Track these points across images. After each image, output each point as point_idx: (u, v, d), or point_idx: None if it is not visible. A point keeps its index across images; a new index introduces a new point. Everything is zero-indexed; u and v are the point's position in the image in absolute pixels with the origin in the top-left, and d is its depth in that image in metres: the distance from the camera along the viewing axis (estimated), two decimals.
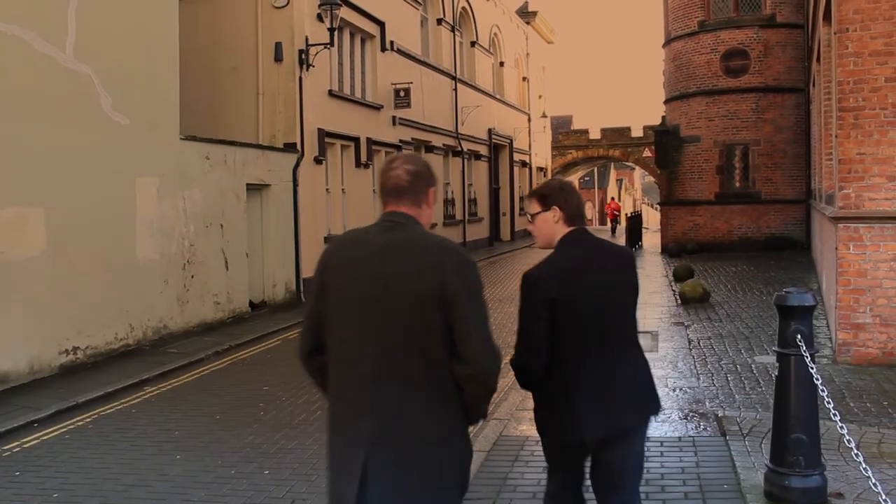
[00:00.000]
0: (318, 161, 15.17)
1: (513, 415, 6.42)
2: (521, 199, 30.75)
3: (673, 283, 15.18)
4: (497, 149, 29.24)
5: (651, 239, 30.01)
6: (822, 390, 3.93)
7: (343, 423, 2.63)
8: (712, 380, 7.51)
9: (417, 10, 21.04)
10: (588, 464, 3.25)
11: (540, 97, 36.13)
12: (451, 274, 2.52)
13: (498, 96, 29.26)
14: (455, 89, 24.09)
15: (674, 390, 7.17)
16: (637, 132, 38.02)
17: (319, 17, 14.74)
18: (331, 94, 15.77)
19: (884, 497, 3.02)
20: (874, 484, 3.19)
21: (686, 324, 10.71)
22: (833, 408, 3.74)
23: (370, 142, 17.44)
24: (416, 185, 2.68)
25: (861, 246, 7.77)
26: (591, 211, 60.80)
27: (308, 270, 14.49)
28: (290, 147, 14.32)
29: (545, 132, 37.11)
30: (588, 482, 3.29)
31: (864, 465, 3.35)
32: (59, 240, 8.98)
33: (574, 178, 47.65)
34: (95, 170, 9.62)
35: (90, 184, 9.51)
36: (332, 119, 15.61)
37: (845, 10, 7.86)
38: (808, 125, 19.73)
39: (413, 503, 2.52)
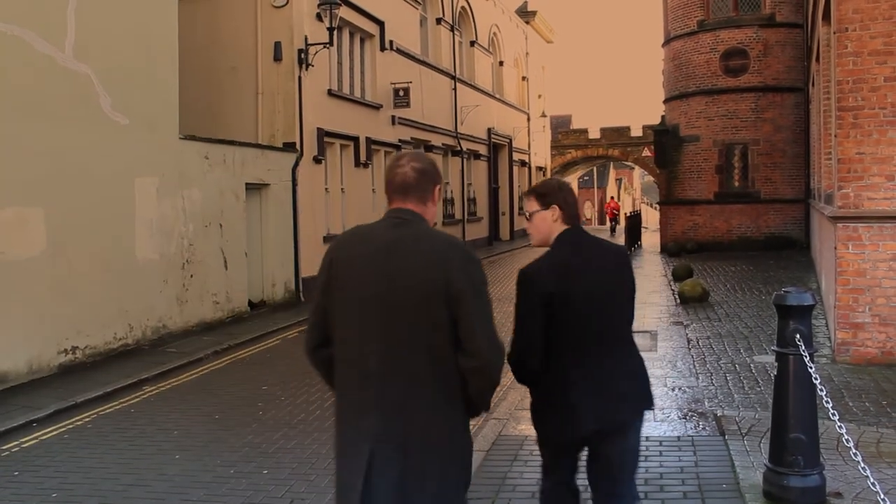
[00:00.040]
0: (317, 161, 15.17)
1: (512, 414, 6.41)
2: (521, 198, 30.74)
3: (672, 283, 15.18)
4: (496, 148, 29.24)
5: (650, 238, 30.01)
6: (821, 390, 3.93)
7: (349, 418, 2.67)
8: (711, 379, 7.51)
9: (417, 9, 21.04)
10: (584, 458, 3.30)
11: (539, 97, 36.12)
12: (457, 270, 2.55)
13: (497, 96, 29.25)
14: (454, 89, 24.09)
15: (673, 390, 7.18)
16: (636, 132, 38.04)
17: (319, 17, 14.74)
18: (330, 93, 15.77)
19: (882, 496, 3.02)
20: (872, 483, 3.19)
21: (685, 323, 10.71)
22: (832, 407, 3.73)
23: (369, 141, 17.43)
24: (422, 182, 2.72)
25: (860, 245, 7.77)
26: (590, 210, 60.80)
27: (307, 270, 14.50)
28: (289, 147, 14.32)
29: (544, 132, 37.11)
30: (583, 478, 3.33)
31: (862, 465, 3.35)
32: (58, 240, 8.97)
33: (573, 178, 47.67)
34: (95, 170, 9.62)
35: (90, 184, 9.50)
36: (331, 118, 15.61)
37: (844, 10, 7.86)
38: (808, 125, 19.73)
39: (416, 498, 2.55)
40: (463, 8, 25.46)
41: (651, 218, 51.46)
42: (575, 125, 49.24)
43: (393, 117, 18.92)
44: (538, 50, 36.13)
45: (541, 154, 36.21)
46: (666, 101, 24.28)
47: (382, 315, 2.59)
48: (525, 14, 34.01)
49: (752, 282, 15.14)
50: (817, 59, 12.99)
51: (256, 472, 5.55)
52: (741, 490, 4.60)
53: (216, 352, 10.00)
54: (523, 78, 33.62)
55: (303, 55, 14.40)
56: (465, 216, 25.07)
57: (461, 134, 24.48)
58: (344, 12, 15.21)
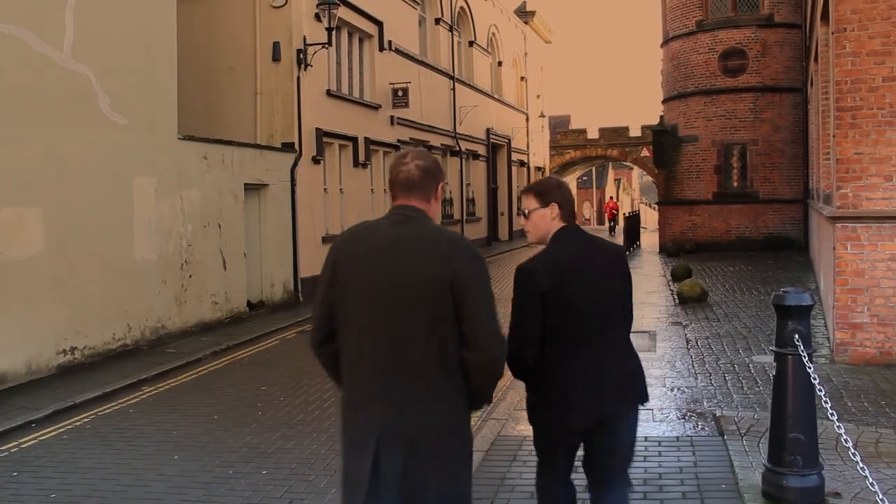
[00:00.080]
0: (315, 161, 15.16)
1: (511, 415, 6.41)
2: (519, 198, 30.75)
3: (671, 283, 15.19)
4: (495, 148, 29.25)
5: (649, 238, 30.02)
6: (820, 390, 3.93)
7: (355, 412, 2.72)
8: (710, 379, 7.51)
9: (415, 9, 21.04)
10: (580, 453, 3.36)
11: (538, 97, 36.14)
12: (461, 266, 2.62)
13: (496, 96, 29.26)
14: (453, 89, 24.09)
15: (672, 390, 7.18)
16: (635, 132, 38.03)
17: (317, 17, 14.74)
18: (329, 93, 15.76)
19: (881, 496, 3.03)
20: (871, 483, 3.19)
21: (684, 323, 10.71)
22: (830, 407, 3.74)
23: (368, 141, 17.43)
24: (425, 180, 2.78)
25: (859, 246, 7.78)
26: (589, 210, 60.82)
27: (306, 270, 14.50)
28: (287, 147, 14.32)
29: (543, 132, 37.12)
30: (579, 474, 3.37)
31: (861, 465, 3.35)
32: (57, 240, 8.97)
33: (572, 178, 47.67)
34: (93, 170, 9.62)
35: (88, 184, 9.50)
36: (330, 119, 15.61)
37: (843, 10, 7.86)
38: (806, 125, 19.75)
39: (422, 490, 2.61)
40: (462, 8, 25.47)
41: (650, 218, 51.48)
42: (573, 125, 49.22)
43: (392, 117, 18.92)
44: (537, 50, 36.15)
45: (539, 154, 36.22)
46: (664, 102, 24.29)
47: (388, 310, 2.64)
48: (524, 14, 34.03)
49: (750, 282, 15.15)
50: (816, 60, 13.00)
51: (255, 472, 5.55)
52: (740, 490, 4.60)
53: (215, 352, 9.99)
54: (522, 78, 33.63)
55: (301, 55, 14.40)
56: (464, 216, 25.08)
57: (460, 134, 24.48)
58: (342, 12, 15.21)
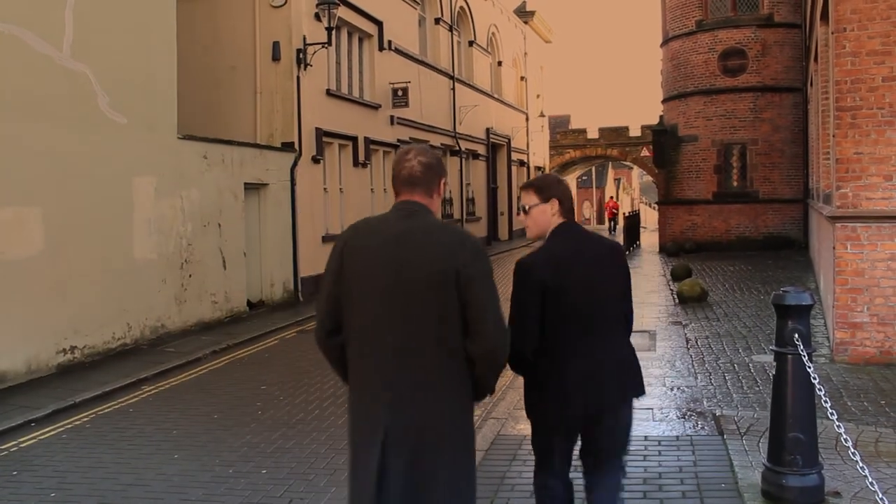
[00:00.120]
0: (315, 160, 15.16)
1: (510, 414, 6.42)
2: (519, 197, 30.73)
3: (671, 283, 15.20)
4: (495, 148, 29.24)
5: (649, 238, 30.02)
6: (820, 389, 3.93)
7: (363, 404, 2.79)
8: (710, 379, 7.51)
9: (415, 9, 21.04)
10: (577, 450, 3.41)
11: (538, 96, 36.14)
12: (465, 259, 2.69)
13: (496, 96, 29.25)
14: (453, 89, 24.09)
15: (671, 389, 7.18)
16: (635, 132, 38.01)
17: (317, 17, 14.74)
18: (328, 93, 15.76)
19: (880, 496, 3.03)
20: (871, 483, 3.19)
21: (684, 323, 10.71)
22: (830, 407, 3.74)
23: (368, 141, 17.43)
24: (428, 175, 2.85)
25: (858, 245, 7.78)
26: (589, 210, 60.82)
27: (306, 270, 14.51)
28: (287, 146, 14.32)
29: (543, 131, 37.13)
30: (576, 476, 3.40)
31: (861, 464, 3.36)
32: (56, 239, 8.97)
33: (572, 178, 47.66)
34: (93, 169, 9.61)
35: (88, 183, 9.50)
36: (329, 118, 15.61)
37: (843, 10, 7.87)
38: (806, 124, 19.75)
39: (430, 481, 2.68)
40: (461, 8, 25.46)
41: (650, 218, 51.48)
42: (573, 125, 49.22)
43: (391, 117, 18.91)
44: (537, 50, 36.14)
45: (539, 154, 36.23)
46: (664, 101, 24.29)
47: (394, 304, 2.70)
48: (524, 14, 34.02)
49: (750, 281, 15.15)
50: (815, 59, 13.00)
51: (255, 471, 5.54)
52: (740, 489, 4.60)
53: (215, 351, 9.99)
54: (522, 78, 33.63)
55: (301, 55, 14.40)
56: (464, 216, 25.08)
57: (460, 134, 24.48)
58: (342, 12, 15.21)
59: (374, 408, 2.74)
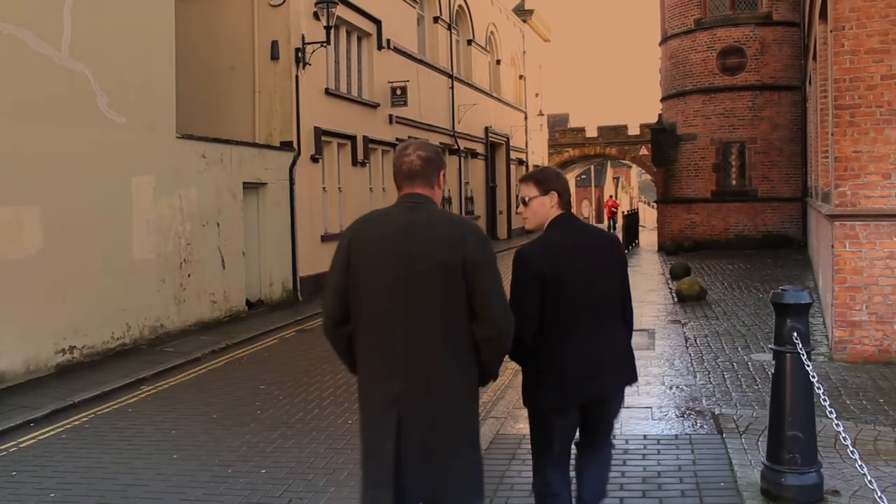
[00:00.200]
0: (314, 159, 15.16)
1: (510, 413, 6.42)
2: (518, 196, 30.70)
3: (669, 281, 15.20)
4: (494, 147, 29.24)
5: (648, 237, 30.03)
6: (819, 388, 3.94)
7: (374, 394, 2.89)
8: (709, 377, 7.51)
9: (414, 8, 21.03)
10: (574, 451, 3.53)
11: (536, 95, 36.14)
12: (472, 247, 2.81)
13: (494, 94, 29.25)
14: (452, 87, 24.08)
15: (670, 388, 7.18)
16: (634, 130, 38.02)
17: (316, 16, 14.74)
18: (327, 92, 15.75)
19: (879, 494, 3.03)
20: (870, 481, 3.20)
21: (683, 322, 10.72)
22: (829, 405, 3.74)
23: (367, 140, 17.42)
24: (427, 168, 2.96)
25: (857, 243, 7.78)
26: (588, 209, 60.82)
27: (305, 269, 14.51)
28: (286, 145, 14.31)
29: (542, 130, 37.13)
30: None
31: (859, 463, 3.36)
32: (55, 239, 8.96)
33: (571, 177, 47.65)
34: (91, 169, 9.61)
35: (86, 183, 9.49)
36: (328, 117, 15.60)
37: (841, 8, 7.86)
38: (805, 123, 19.76)
39: (441, 455, 2.83)
40: (460, 7, 25.45)
41: (649, 216, 51.49)
42: (572, 124, 49.22)
43: (390, 116, 18.91)
44: (535, 48, 36.14)
45: (538, 153, 36.23)
46: (663, 100, 24.29)
47: (402, 295, 2.81)
48: (522, 13, 34.01)
49: (749, 280, 15.16)
50: (814, 58, 13.00)
51: (254, 471, 5.54)
52: (739, 488, 4.60)
53: (214, 351, 9.99)
54: (520, 76, 33.62)
55: (300, 54, 14.39)
56: (463, 214, 25.08)
57: (458, 133, 24.48)
58: (341, 11, 15.20)
59: (385, 398, 2.83)
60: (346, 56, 17.15)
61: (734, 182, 22.47)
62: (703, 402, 6.68)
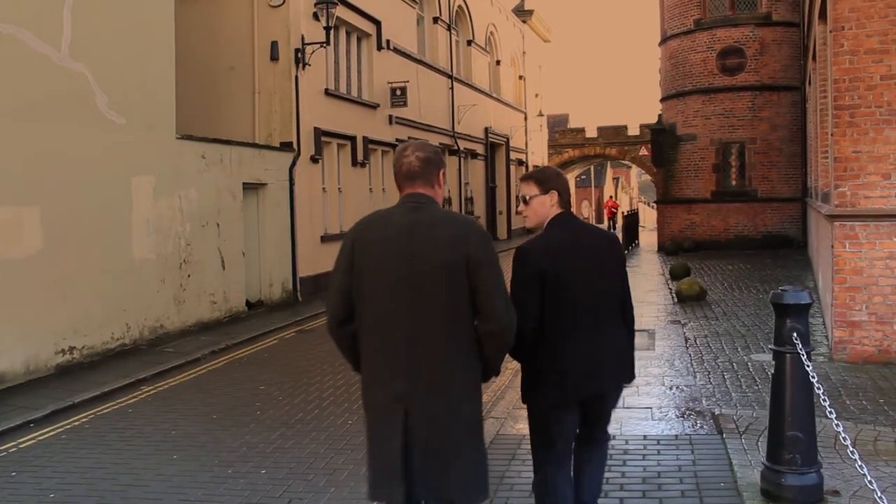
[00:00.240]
0: (314, 160, 15.16)
1: (510, 413, 6.42)
2: (517, 194, 30.69)
3: (669, 282, 15.20)
4: (493, 147, 29.24)
5: (648, 237, 30.03)
6: (818, 388, 3.94)
7: (378, 392, 2.94)
8: (709, 378, 7.51)
9: (414, 8, 21.03)
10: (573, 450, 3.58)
11: (536, 96, 36.14)
12: (475, 246, 2.87)
13: (494, 95, 29.25)
14: (451, 88, 24.08)
15: (670, 388, 7.18)
16: (633, 130, 38.00)
17: (315, 16, 14.74)
18: (327, 92, 15.76)
19: (879, 494, 3.03)
20: (870, 481, 3.20)
21: (682, 322, 10.72)
22: (829, 405, 3.74)
23: (366, 141, 17.42)
24: (426, 168, 3.01)
25: (857, 244, 7.78)
26: (588, 209, 60.82)
27: (305, 270, 14.50)
28: (286, 146, 14.31)
29: (542, 131, 37.12)
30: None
31: (859, 463, 3.36)
32: (55, 239, 8.96)
33: (571, 177, 47.65)
34: (91, 169, 9.60)
35: (86, 183, 9.49)
36: (328, 118, 15.60)
37: (841, 9, 7.87)
38: (804, 123, 19.76)
39: (445, 454, 2.88)
40: (460, 7, 25.45)
41: (648, 217, 51.49)
42: (572, 124, 49.20)
43: (390, 116, 18.91)
44: (535, 49, 36.14)
45: (538, 153, 36.22)
46: (663, 100, 24.29)
47: (406, 294, 2.85)
48: (522, 13, 34.01)
49: (749, 280, 15.16)
50: (814, 58, 13.00)
51: (254, 471, 5.54)
52: (739, 488, 4.60)
53: (214, 352, 9.98)
54: (520, 77, 33.62)
55: (299, 54, 14.39)
56: (462, 214, 25.04)
57: (458, 133, 24.48)
58: (340, 11, 15.20)
59: (388, 397, 2.89)
60: (345, 56, 17.15)
61: (734, 182, 22.47)
62: (703, 402, 6.68)
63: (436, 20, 23.15)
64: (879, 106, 7.73)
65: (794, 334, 4.17)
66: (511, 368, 7.56)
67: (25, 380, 8.39)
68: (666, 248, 22.68)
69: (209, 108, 14.17)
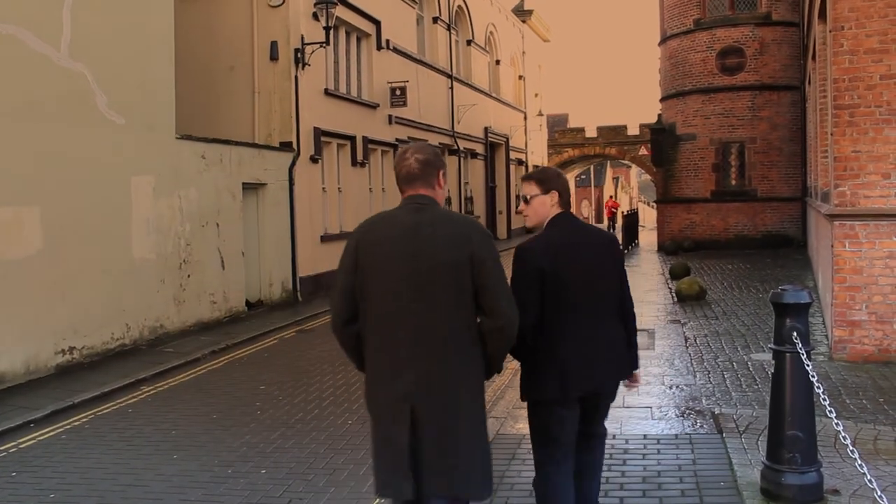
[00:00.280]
0: (314, 160, 15.16)
1: (510, 413, 6.42)
2: (518, 194, 30.69)
3: (669, 281, 15.21)
4: (493, 147, 29.23)
5: (647, 237, 30.03)
6: (818, 387, 3.94)
7: (382, 386, 2.99)
8: (709, 377, 7.52)
9: (413, 8, 21.03)
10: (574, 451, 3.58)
11: (536, 95, 36.13)
12: (477, 244, 2.94)
13: (494, 95, 29.24)
14: (451, 88, 24.08)
15: (670, 388, 7.18)
16: (633, 130, 37.99)
17: (315, 16, 14.73)
18: (327, 92, 15.75)
19: (879, 493, 3.03)
20: (870, 480, 3.20)
21: (682, 321, 10.72)
22: (829, 405, 3.74)
23: (366, 140, 17.42)
24: (426, 170, 3.08)
25: (857, 243, 7.79)
26: (587, 209, 60.83)
27: (305, 269, 14.50)
28: (286, 146, 14.31)
29: (541, 130, 37.11)
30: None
31: (859, 462, 3.36)
32: (55, 239, 8.96)
33: (570, 177, 47.64)
34: (91, 169, 9.60)
35: (86, 183, 9.49)
36: (328, 118, 15.60)
37: (840, 8, 7.87)
38: (804, 123, 19.77)
39: (449, 451, 2.94)
40: (459, 7, 25.45)
41: (648, 216, 51.49)
42: (572, 124, 49.20)
43: (390, 116, 18.91)
44: (535, 49, 36.13)
45: (538, 153, 36.22)
46: (662, 100, 24.29)
47: (410, 294, 2.91)
48: (521, 13, 34.00)
49: (749, 280, 15.16)
50: (813, 58, 13.00)
51: (254, 471, 5.54)
52: (739, 488, 4.60)
53: (214, 352, 9.98)
54: (520, 77, 33.62)
55: (299, 54, 14.39)
56: (462, 214, 25.04)
57: (458, 133, 24.47)
58: (340, 11, 15.20)
59: (392, 396, 2.94)
60: (345, 56, 17.14)
61: (734, 182, 22.48)
62: (703, 401, 6.68)
63: (435, 20, 23.15)
64: (879, 105, 7.74)
65: (794, 334, 4.18)
66: (511, 368, 7.57)
67: (25, 380, 8.39)
68: (666, 248, 22.69)
69: (209, 107, 14.17)
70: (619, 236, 25.88)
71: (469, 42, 26.43)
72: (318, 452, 5.90)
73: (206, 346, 10.16)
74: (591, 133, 39.64)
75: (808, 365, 4.08)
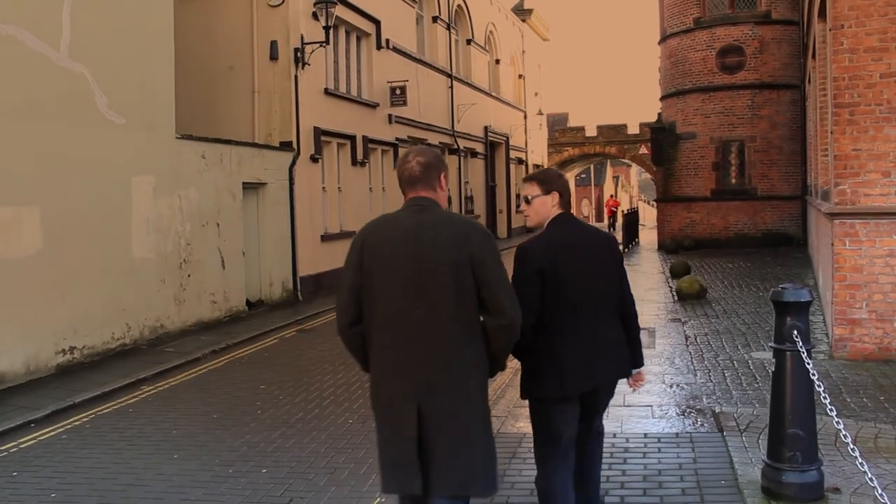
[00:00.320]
0: (314, 159, 15.16)
1: (510, 412, 6.42)
2: (518, 194, 30.70)
3: (669, 280, 15.21)
4: (493, 146, 29.23)
5: (648, 236, 30.02)
6: (819, 386, 3.94)
7: (388, 385, 3.04)
8: (709, 376, 7.52)
9: (413, 7, 21.02)
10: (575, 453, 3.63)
11: (536, 94, 36.13)
12: (478, 245, 3.00)
13: (494, 94, 29.24)
14: (451, 87, 24.07)
15: (671, 386, 7.18)
16: (633, 129, 38.03)
17: (315, 16, 14.73)
18: (326, 92, 15.75)
19: (880, 491, 3.04)
20: (870, 479, 3.20)
21: (683, 320, 10.72)
22: (829, 403, 3.75)
23: (366, 140, 17.42)
24: (427, 173, 3.16)
25: (857, 241, 7.79)
26: (587, 208, 60.84)
27: (305, 269, 14.50)
28: (286, 146, 14.31)
29: (541, 129, 37.11)
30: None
31: (860, 460, 3.36)
32: (55, 239, 8.96)
33: (570, 176, 47.65)
34: (91, 169, 9.60)
35: (86, 183, 9.49)
36: (327, 117, 15.60)
37: (840, 7, 7.87)
38: (804, 121, 19.76)
39: (454, 449, 2.98)
40: (459, 6, 25.44)
41: (648, 215, 51.50)
42: (572, 123, 49.20)
43: (389, 116, 18.91)
44: (534, 48, 36.13)
45: (538, 152, 36.22)
46: (662, 99, 24.29)
47: (413, 292, 2.97)
48: (521, 12, 34.00)
49: (749, 278, 15.16)
50: (813, 56, 13.00)
51: (255, 471, 5.54)
52: (739, 486, 4.60)
53: (214, 351, 9.99)
54: (520, 76, 33.62)
55: (299, 54, 14.39)
56: (463, 214, 25.04)
57: (458, 132, 24.47)
58: (340, 11, 15.19)
59: (398, 394, 2.99)
60: (345, 56, 17.14)
61: (734, 181, 22.47)
62: (704, 400, 6.68)
63: (435, 19, 23.15)
64: (879, 104, 7.74)
65: (795, 332, 4.17)
66: (511, 367, 7.57)
67: (26, 380, 8.39)
68: (666, 247, 22.68)
69: (209, 107, 14.16)
70: (620, 235, 25.90)
71: (469, 41, 26.43)
72: (318, 451, 5.90)
73: (207, 346, 10.16)
74: (591, 132, 39.68)
75: (808, 363, 4.08)
